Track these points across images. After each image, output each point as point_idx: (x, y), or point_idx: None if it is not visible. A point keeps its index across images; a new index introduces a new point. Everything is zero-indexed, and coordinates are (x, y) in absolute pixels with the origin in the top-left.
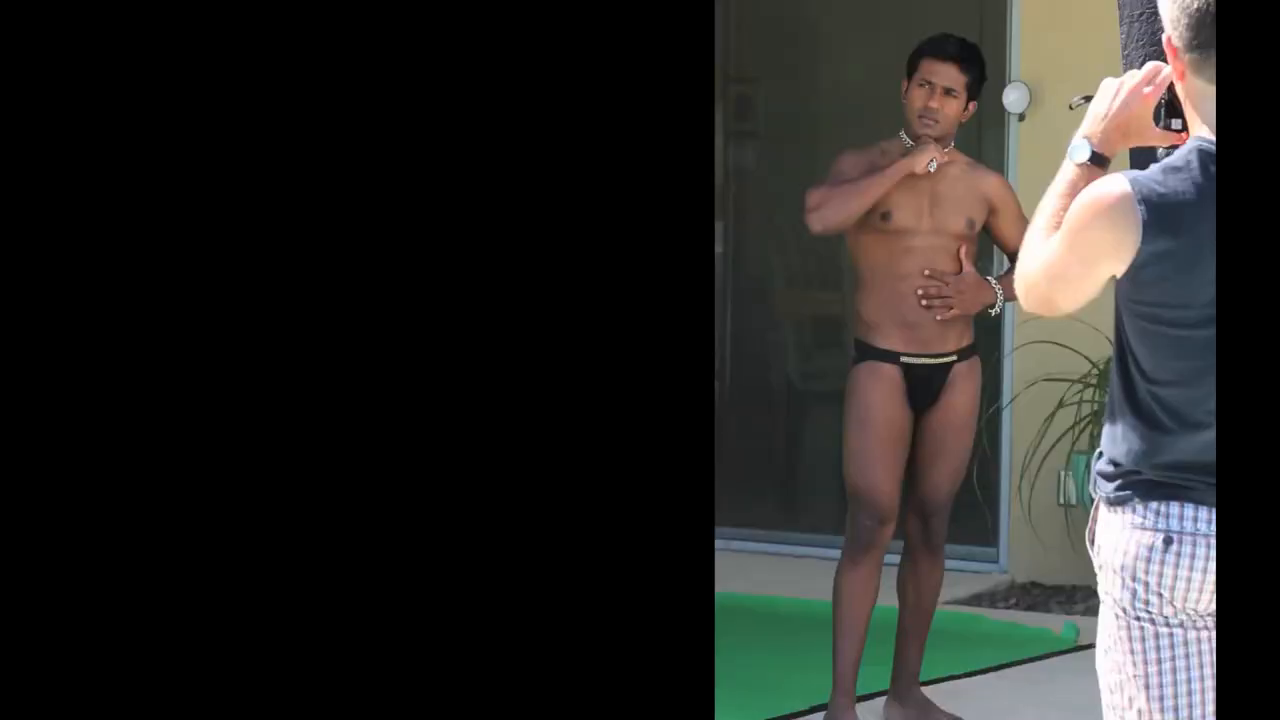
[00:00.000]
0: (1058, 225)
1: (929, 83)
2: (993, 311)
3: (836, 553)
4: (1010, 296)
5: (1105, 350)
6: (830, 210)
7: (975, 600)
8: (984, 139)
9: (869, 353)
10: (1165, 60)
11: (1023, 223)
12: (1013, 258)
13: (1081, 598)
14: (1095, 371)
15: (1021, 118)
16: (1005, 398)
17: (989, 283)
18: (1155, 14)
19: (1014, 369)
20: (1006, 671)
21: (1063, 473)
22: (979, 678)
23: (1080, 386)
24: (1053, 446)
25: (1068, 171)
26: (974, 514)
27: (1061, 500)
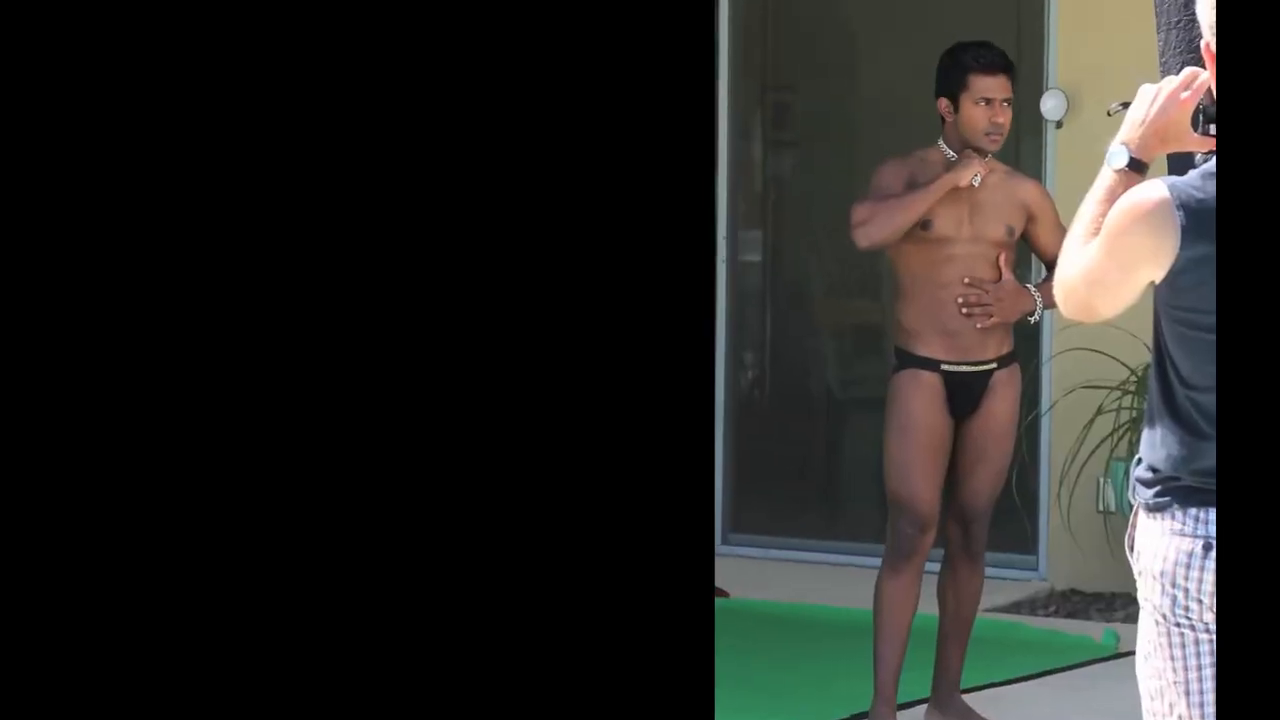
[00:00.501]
0: (1096, 231)
1: (988, 99)
2: (1032, 319)
3: (876, 560)
4: (1049, 304)
5: (1144, 357)
6: (875, 226)
7: (1015, 608)
8: (1021, 147)
9: (909, 360)
10: (1203, 66)
11: (1061, 230)
12: (1050, 265)
13: (1121, 605)
14: (1134, 378)
15: (1059, 125)
16: (1044, 405)
17: (1028, 290)
18: (1193, 21)
19: (1052, 376)
20: (1047, 679)
21: (1101, 479)
22: (1019, 685)
23: (1119, 393)
24: (1092, 453)
25: (1106, 178)
26: (1013, 521)
27: (1101, 507)
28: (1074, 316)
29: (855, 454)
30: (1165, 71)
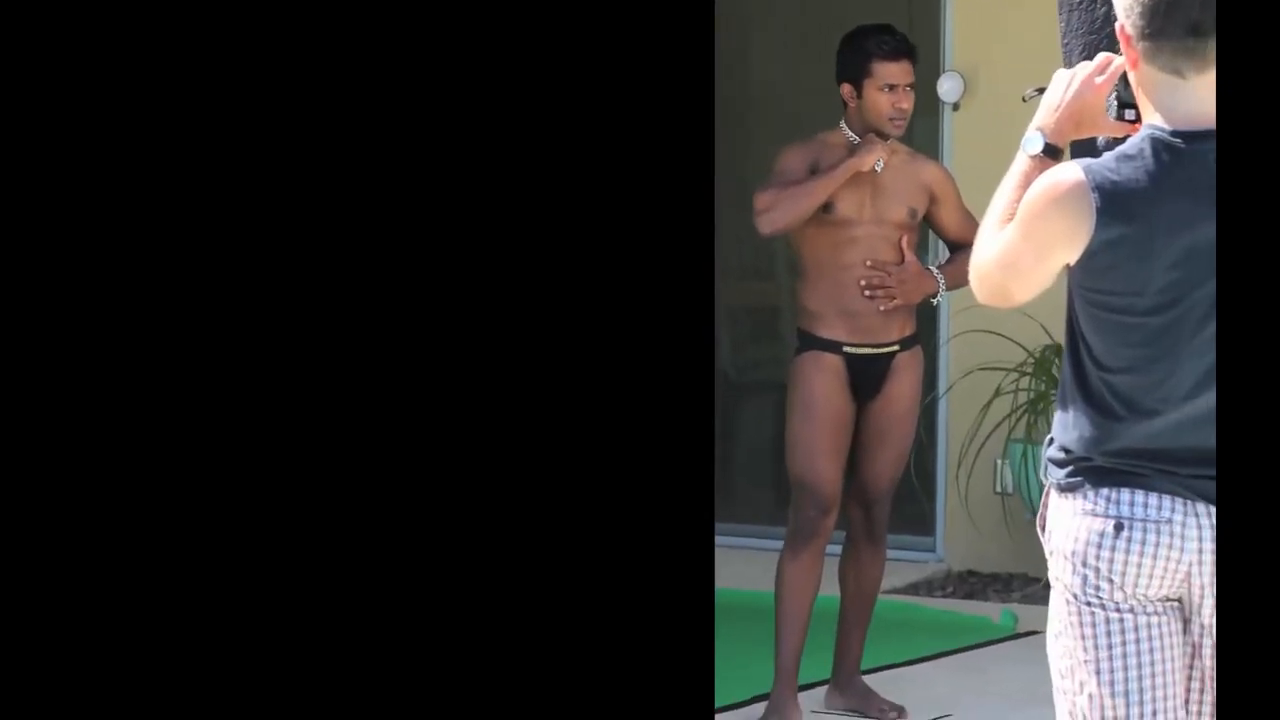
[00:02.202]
0: (1011, 216)
1: (891, 85)
2: (935, 301)
3: (769, 543)
4: (952, 286)
5: (1041, 339)
6: (779, 213)
7: (913, 589)
8: (917, 128)
9: (812, 342)
10: (1105, 49)
11: (963, 211)
12: (953, 247)
13: (1018, 585)
14: (1031, 360)
15: (956, 107)
16: (941, 387)
17: (931, 272)
18: (1094, 3)
19: (950, 358)
20: (946, 659)
21: (999, 461)
22: (919, 666)
23: (1017, 375)
24: (990, 435)
25: (1021, 163)
26: (911, 503)
27: (998, 489)
28: (989, 301)
29: (750, 437)
30: (1067, 53)
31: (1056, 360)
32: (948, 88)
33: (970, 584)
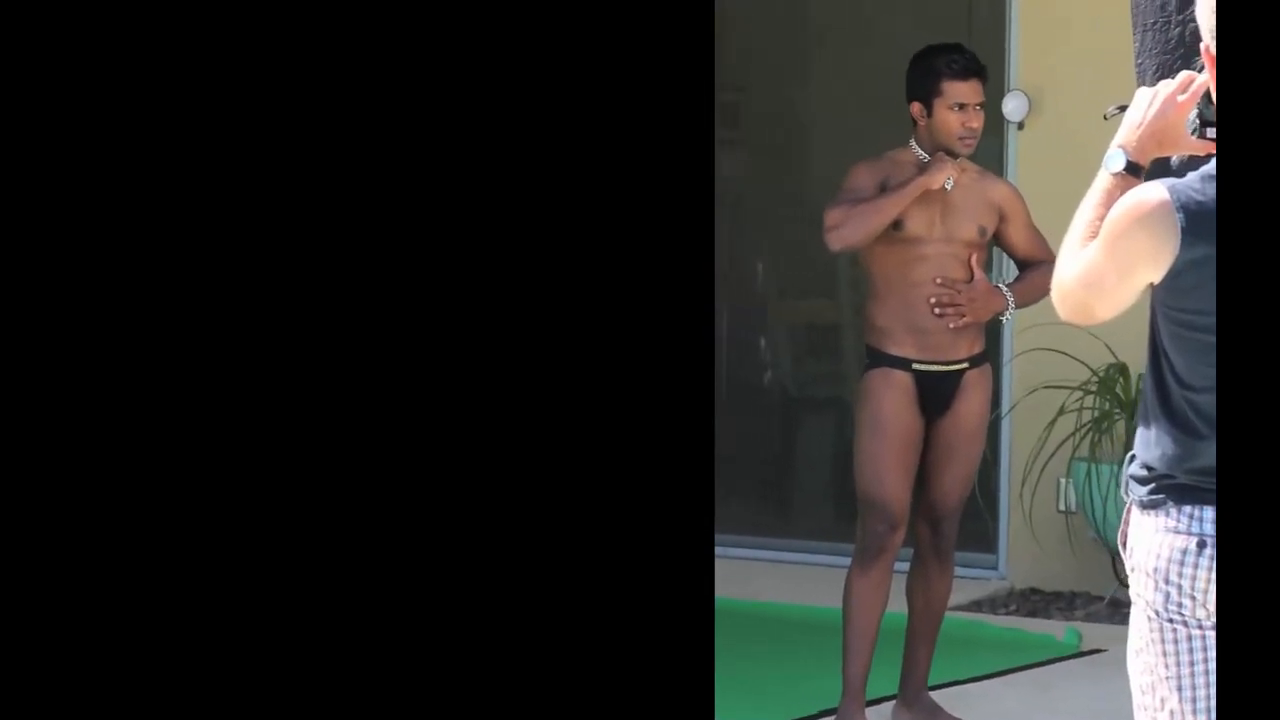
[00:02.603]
0: (1094, 234)
1: (962, 104)
2: (1004, 318)
3: (829, 559)
4: (1021, 304)
5: (1105, 358)
6: (849, 230)
7: (975, 606)
8: (981, 147)
9: (881, 359)
10: (1179, 68)
11: (1032, 230)
12: (1022, 265)
13: (1081, 604)
14: (1095, 379)
15: (1021, 126)
16: (1005, 405)
17: (1000, 290)
18: (1169, 23)
19: (1014, 376)
20: (1011, 677)
21: (1063, 480)
22: (984, 683)
23: (1081, 393)
24: (1054, 453)
25: (1103, 181)
26: (974, 520)
27: (1062, 507)
28: (1071, 319)
29: (810, 453)
30: (1141, 73)
31: (1121, 379)
32: (1013, 107)
33: (1033, 602)
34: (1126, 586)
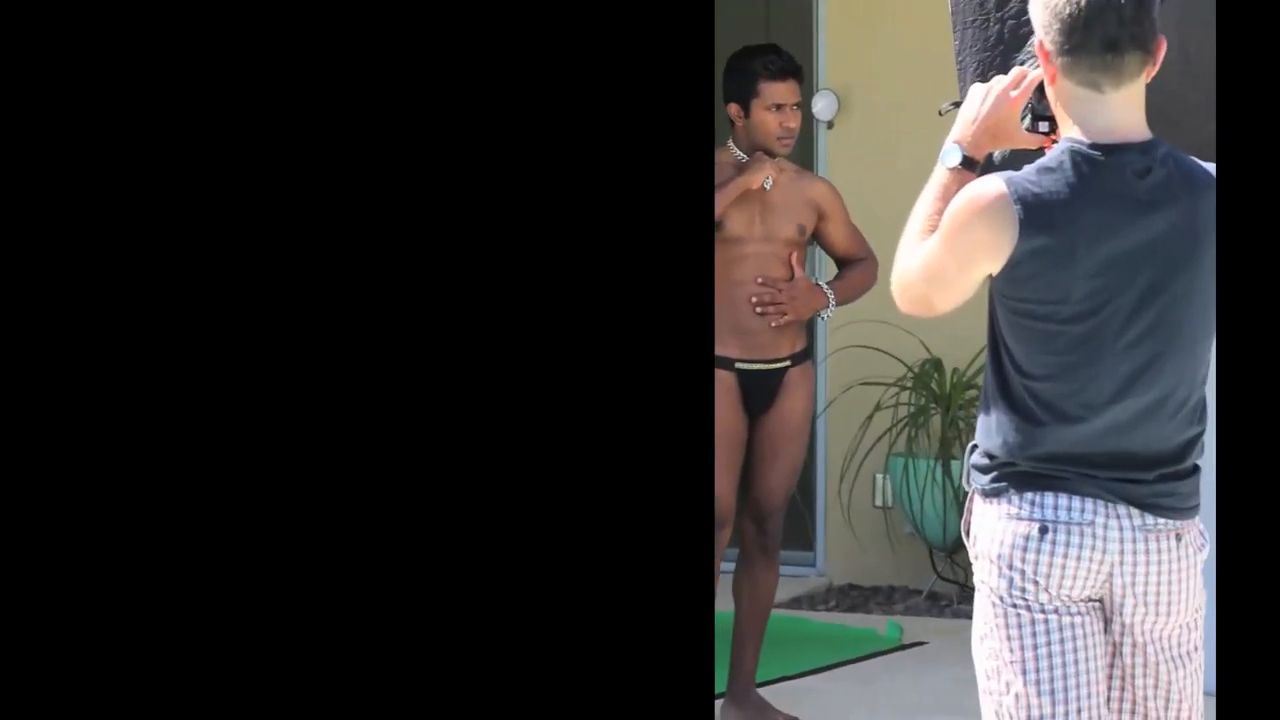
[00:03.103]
0: (932, 229)
1: (779, 105)
2: (825, 316)
3: None
4: (841, 301)
5: (919, 353)
6: None
7: (795, 603)
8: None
9: None
10: (999, 67)
11: (850, 227)
12: (841, 262)
13: (900, 597)
14: (911, 375)
15: (830, 125)
16: (821, 403)
17: (821, 287)
18: (988, 20)
19: (828, 374)
20: (835, 671)
21: (879, 476)
22: (810, 678)
23: (896, 389)
24: (870, 449)
25: (940, 176)
26: (792, 518)
27: (878, 503)
28: (911, 311)
29: None
30: (962, 70)
31: (936, 375)
32: (821, 106)
33: (852, 597)
34: (945, 580)
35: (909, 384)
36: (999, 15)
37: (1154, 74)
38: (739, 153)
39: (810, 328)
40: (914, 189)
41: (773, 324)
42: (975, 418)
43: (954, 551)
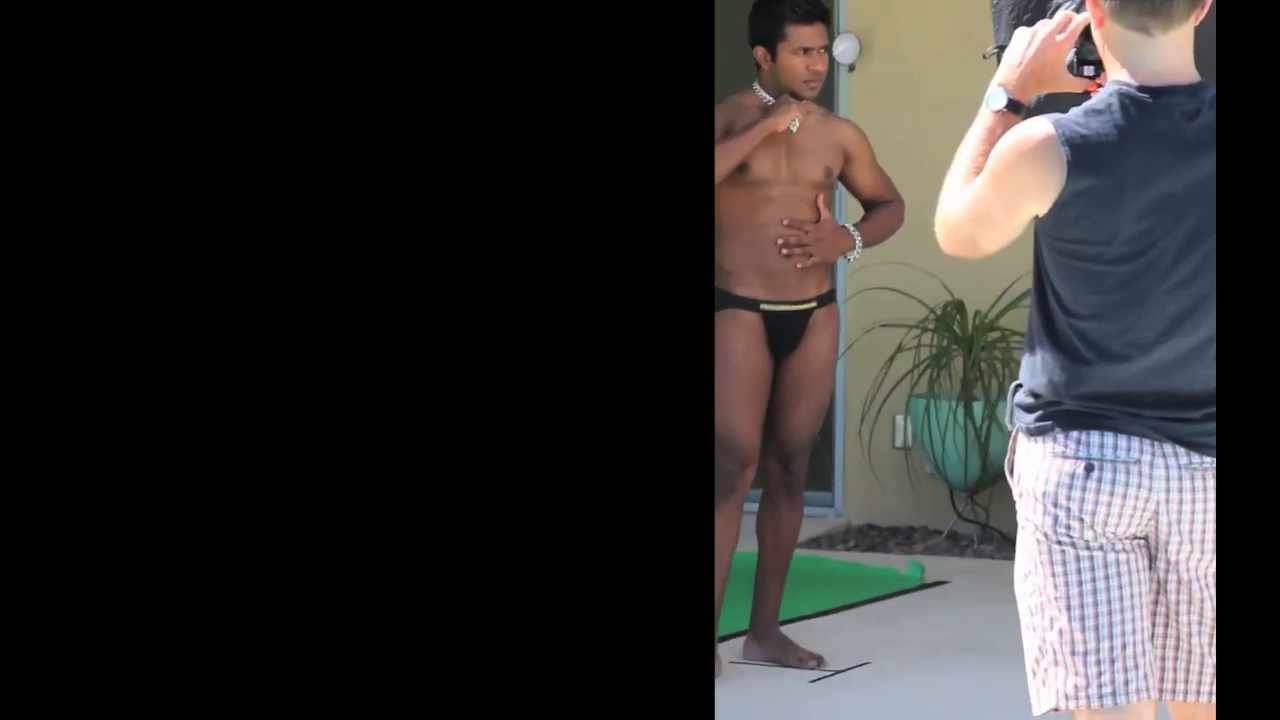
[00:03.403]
0: (977, 171)
1: (806, 49)
2: (850, 257)
3: None
4: (868, 243)
5: (940, 296)
6: None
7: (814, 543)
8: None
9: (730, 300)
10: (1039, 11)
11: (876, 169)
12: (867, 205)
13: (919, 538)
14: (933, 317)
15: (851, 68)
16: (841, 345)
17: (847, 229)
18: None
19: (849, 316)
20: (858, 610)
21: (899, 417)
22: (833, 616)
23: (918, 331)
24: (891, 390)
25: (984, 118)
26: (810, 459)
27: (898, 444)
28: (955, 252)
29: None
30: (997, 13)
31: (958, 316)
32: (843, 49)
33: (870, 537)
34: (965, 520)
35: (930, 326)
36: None
37: (1202, 17)
38: (765, 95)
39: (830, 270)
40: (933, 132)
41: (798, 265)
42: (996, 359)
43: (974, 492)
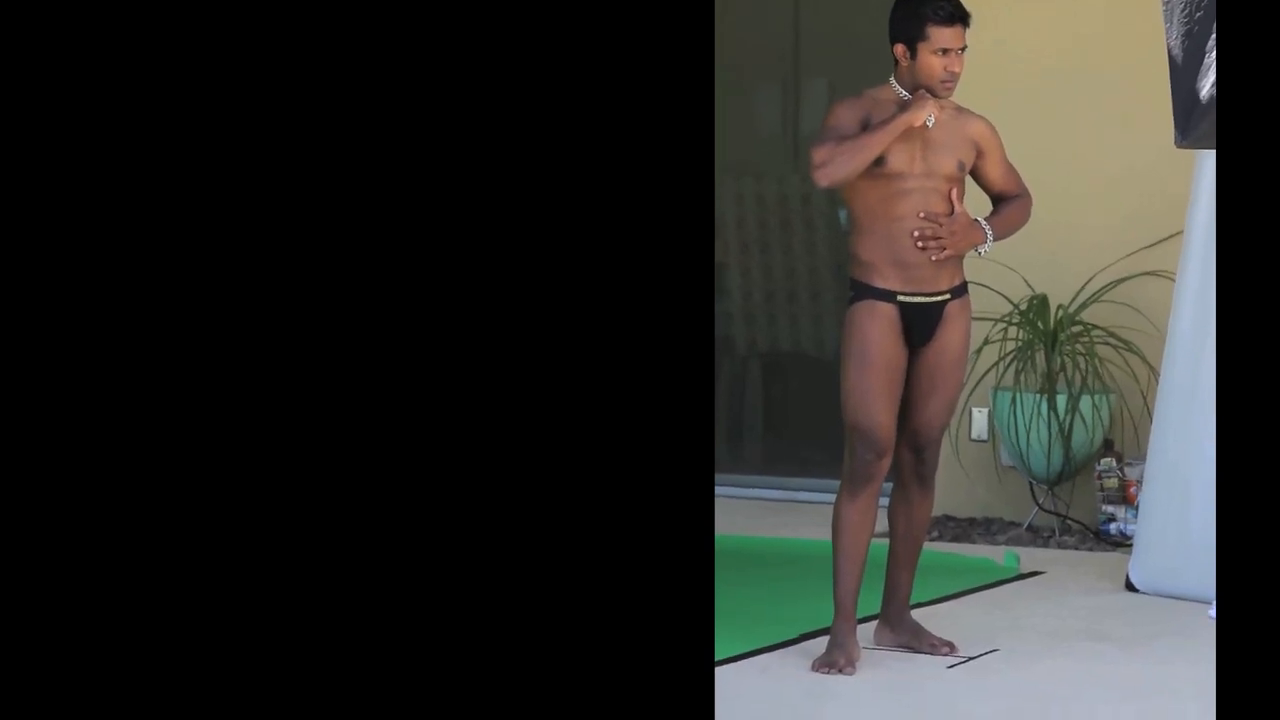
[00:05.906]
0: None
1: (945, 49)
2: (982, 252)
3: (771, 494)
4: (999, 236)
5: (1022, 291)
6: (836, 166)
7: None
8: None
9: (866, 292)
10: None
11: (1006, 165)
12: (997, 200)
13: (1000, 529)
14: (1017, 311)
15: None
16: None
17: (979, 223)
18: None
19: None
20: (966, 598)
21: (975, 410)
22: (942, 605)
23: (1004, 325)
24: (978, 383)
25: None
26: None
27: (975, 435)
28: None
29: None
30: (1169, 14)
31: (1043, 311)
32: None
33: (951, 528)
34: (1047, 512)
35: (1015, 320)
36: None
37: None
38: (901, 90)
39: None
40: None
41: (933, 258)
42: (1079, 353)
43: (1055, 484)
